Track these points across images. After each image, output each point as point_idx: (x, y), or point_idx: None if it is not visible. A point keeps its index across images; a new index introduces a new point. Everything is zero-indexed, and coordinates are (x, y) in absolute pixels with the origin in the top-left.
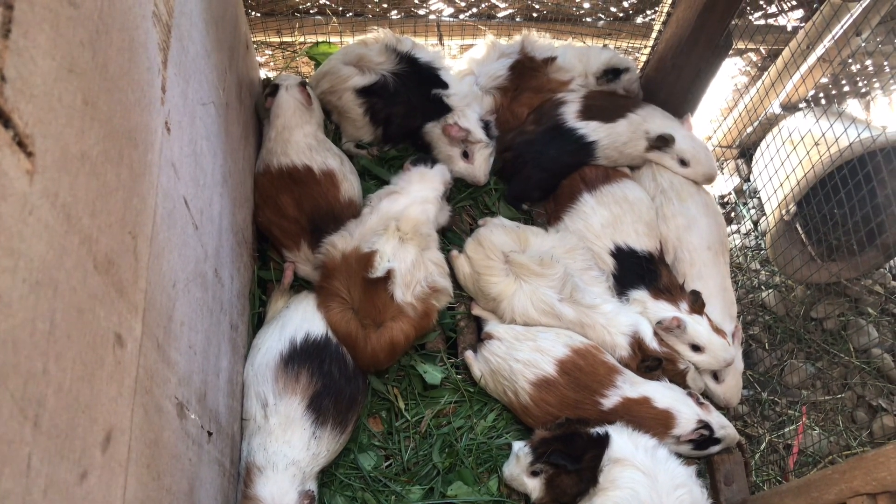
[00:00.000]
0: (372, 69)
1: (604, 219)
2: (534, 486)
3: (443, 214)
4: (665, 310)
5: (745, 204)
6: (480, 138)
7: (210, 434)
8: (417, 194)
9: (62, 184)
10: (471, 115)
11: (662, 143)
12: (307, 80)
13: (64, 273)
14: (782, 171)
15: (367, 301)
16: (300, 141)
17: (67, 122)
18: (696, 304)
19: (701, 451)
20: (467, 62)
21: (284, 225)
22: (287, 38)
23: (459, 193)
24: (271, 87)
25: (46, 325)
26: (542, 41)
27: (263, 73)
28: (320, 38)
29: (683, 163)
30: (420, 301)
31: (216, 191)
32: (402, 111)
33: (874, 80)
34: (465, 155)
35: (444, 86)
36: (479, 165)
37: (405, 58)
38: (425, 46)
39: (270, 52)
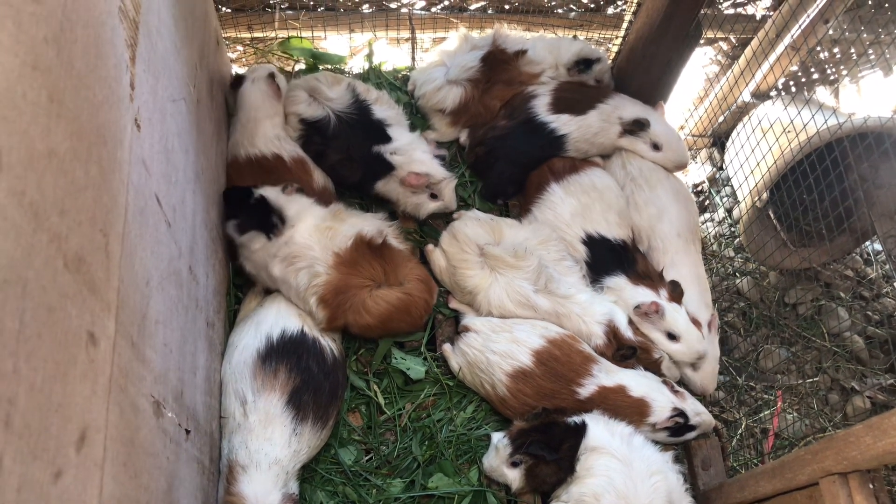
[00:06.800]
0: (321, 103)
1: (572, 208)
2: (514, 476)
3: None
4: (645, 295)
5: (718, 192)
6: (443, 175)
7: (188, 432)
8: (305, 225)
9: (29, 182)
10: (423, 156)
11: (638, 126)
12: (275, 72)
13: (33, 272)
14: (753, 159)
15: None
16: (268, 132)
17: (32, 120)
18: (675, 292)
19: (677, 437)
20: (438, 54)
21: None
22: (258, 34)
23: None
24: (236, 79)
25: (16, 324)
26: (514, 34)
27: (235, 69)
28: (291, 34)
29: (657, 147)
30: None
31: (189, 188)
32: (337, 158)
33: (841, 67)
34: (433, 195)
35: (387, 139)
36: (450, 198)
37: (360, 105)
38: (392, 104)
39: (242, 48)
